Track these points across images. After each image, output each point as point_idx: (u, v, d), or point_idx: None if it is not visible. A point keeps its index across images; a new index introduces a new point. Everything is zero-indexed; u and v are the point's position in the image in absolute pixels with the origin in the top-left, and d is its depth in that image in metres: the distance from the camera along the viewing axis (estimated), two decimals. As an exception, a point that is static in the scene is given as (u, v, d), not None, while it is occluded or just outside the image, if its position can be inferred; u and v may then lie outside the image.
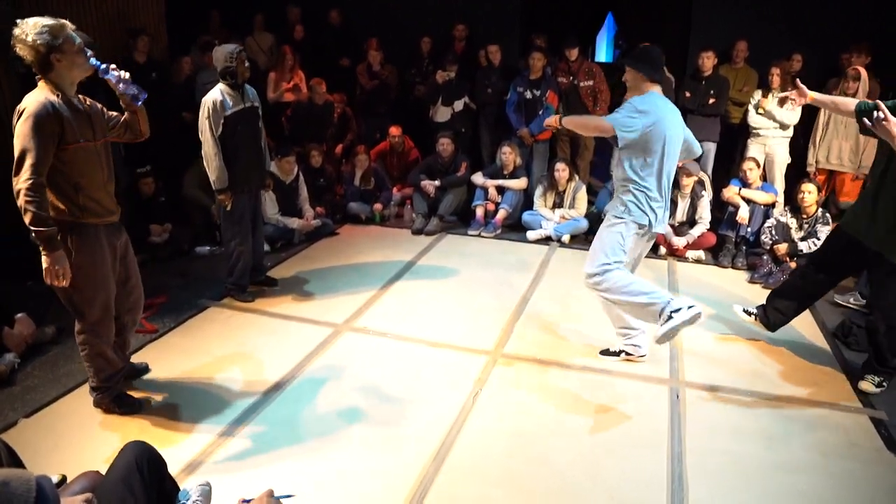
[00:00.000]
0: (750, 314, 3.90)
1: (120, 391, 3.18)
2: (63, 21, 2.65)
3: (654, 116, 3.15)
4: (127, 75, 2.81)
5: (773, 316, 3.77)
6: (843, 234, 3.42)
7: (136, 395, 3.27)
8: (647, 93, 3.22)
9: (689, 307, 3.10)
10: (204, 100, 4.03)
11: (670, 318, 3.10)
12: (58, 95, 2.66)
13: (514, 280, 4.82)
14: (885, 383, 3.40)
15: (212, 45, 6.09)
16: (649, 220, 3.32)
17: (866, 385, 3.40)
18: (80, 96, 2.85)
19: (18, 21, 2.61)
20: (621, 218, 3.33)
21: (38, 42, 2.56)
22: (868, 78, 5.39)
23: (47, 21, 2.59)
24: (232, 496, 2.40)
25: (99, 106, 2.94)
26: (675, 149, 3.31)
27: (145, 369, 3.55)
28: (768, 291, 4.68)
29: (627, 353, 3.68)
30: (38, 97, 2.62)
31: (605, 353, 3.74)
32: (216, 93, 4.02)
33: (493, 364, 3.68)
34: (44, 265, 2.68)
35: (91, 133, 2.80)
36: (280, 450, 2.92)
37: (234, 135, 4.08)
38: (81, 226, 2.81)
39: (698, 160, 5.82)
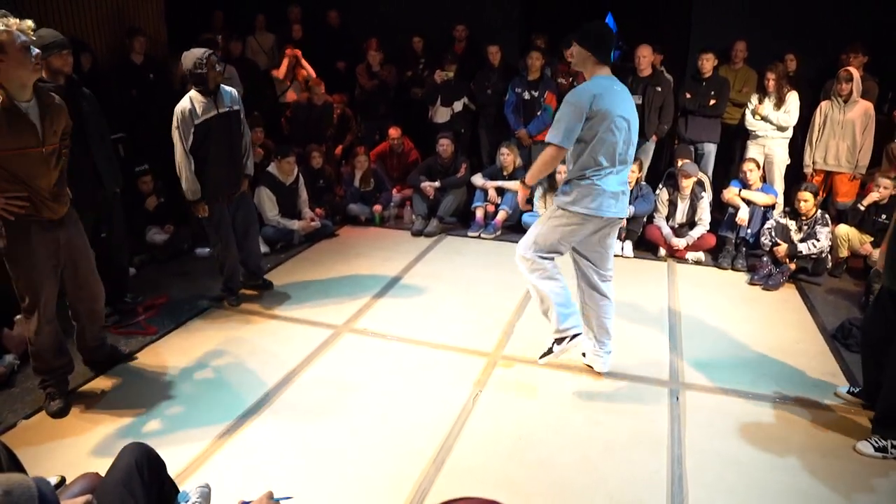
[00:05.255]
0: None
1: (56, 387, 3.19)
2: (8, 19, 2.62)
3: (587, 96, 2.95)
4: None
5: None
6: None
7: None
8: (591, 78, 3.05)
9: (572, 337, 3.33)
10: (175, 109, 3.87)
11: (564, 340, 3.34)
12: (2, 100, 2.66)
13: (513, 281, 4.79)
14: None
15: (214, 44, 6.11)
16: (597, 212, 3.11)
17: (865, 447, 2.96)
18: (54, 96, 2.88)
19: None
20: (564, 209, 3.16)
21: None
22: (863, 78, 5.39)
23: None
24: (231, 498, 2.41)
25: (62, 110, 2.94)
26: (625, 128, 3.05)
27: (128, 356, 3.60)
28: (768, 293, 4.71)
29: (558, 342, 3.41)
30: None
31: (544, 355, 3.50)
32: (186, 101, 3.85)
33: (492, 366, 3.67)
34: None
35: (36, 140, 2.79)
36: (280, 452, 2.91)
37: (206, 144, 3.92)
38: (10, 223, 2.86)
39: (698, 161, 5.87)
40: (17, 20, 2.64)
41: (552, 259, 3.30)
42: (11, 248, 2.91)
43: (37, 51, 2.69)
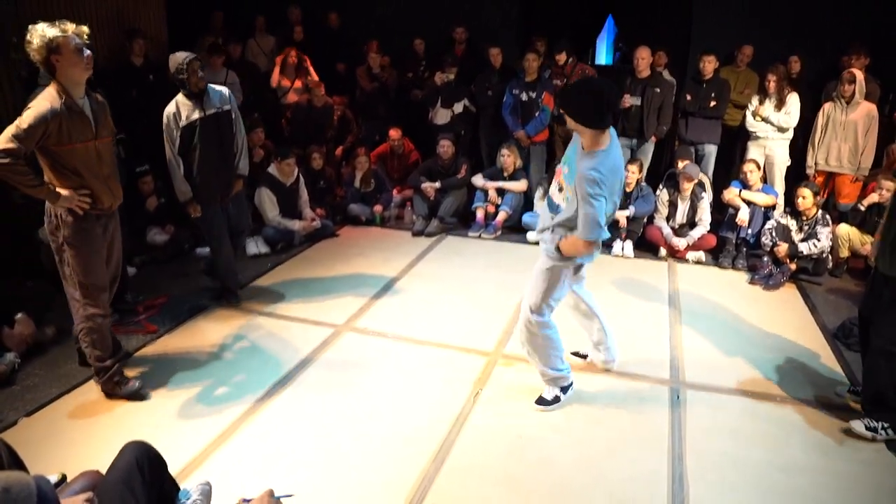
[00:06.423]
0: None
1: (118, 373, 3.32)
2: (66, 25, 2.83)
3: (610, 175, 2.70)
4: None
5: None
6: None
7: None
8: (596, 152, 2.70)
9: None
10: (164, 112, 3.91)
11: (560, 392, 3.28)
12: (62, 98, 2.85)
13: (514, 281, 4.80)
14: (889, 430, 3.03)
15: (216, 46, 6.11)
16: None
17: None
18: (96, 95, 3.10)
19: (30, 27, 2.79)
20: (562, 262, 2.97)
21: (37, 45, 2.76)
22: (866, 79, 5.39)
23: (46, 25, 2.79)
24: (232, 496, 2.41)
25: (106, 108, 3.16)
26: (618, 185, 2.88)
27: (126, 354, 3.65)
28: (769, 293, 4.72)
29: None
30: (41, 102, 2.82)
31: (577, 354, 3.67)
32: (171, 104, 3.88)
33: (493, 365, 3.68)
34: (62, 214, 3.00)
35: (91, 133, 2.99)
36: (280, 450, 2.92)
37: (193, 146, 3.93)
38: (76, 215, 3.03)
39: (698, 162, 5.87)
40: (74, 25, 2.86)
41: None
42: (75, 237, 3.06)
43: (88, 52, 2.90)
